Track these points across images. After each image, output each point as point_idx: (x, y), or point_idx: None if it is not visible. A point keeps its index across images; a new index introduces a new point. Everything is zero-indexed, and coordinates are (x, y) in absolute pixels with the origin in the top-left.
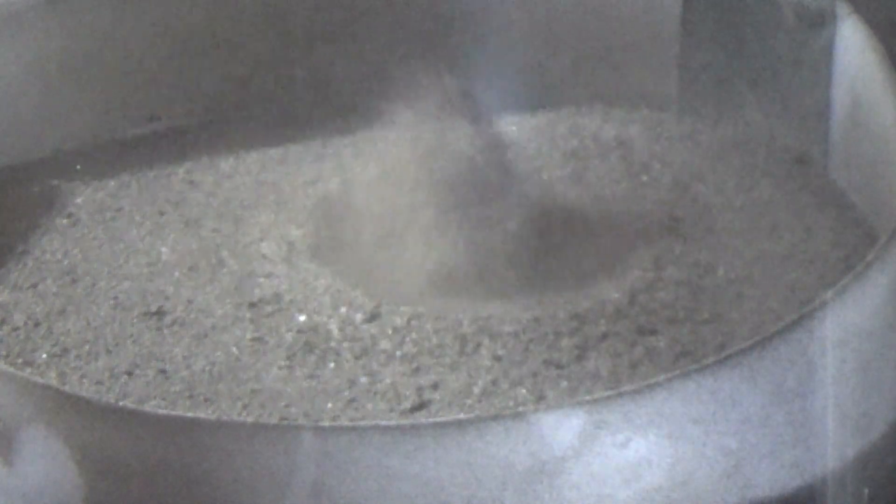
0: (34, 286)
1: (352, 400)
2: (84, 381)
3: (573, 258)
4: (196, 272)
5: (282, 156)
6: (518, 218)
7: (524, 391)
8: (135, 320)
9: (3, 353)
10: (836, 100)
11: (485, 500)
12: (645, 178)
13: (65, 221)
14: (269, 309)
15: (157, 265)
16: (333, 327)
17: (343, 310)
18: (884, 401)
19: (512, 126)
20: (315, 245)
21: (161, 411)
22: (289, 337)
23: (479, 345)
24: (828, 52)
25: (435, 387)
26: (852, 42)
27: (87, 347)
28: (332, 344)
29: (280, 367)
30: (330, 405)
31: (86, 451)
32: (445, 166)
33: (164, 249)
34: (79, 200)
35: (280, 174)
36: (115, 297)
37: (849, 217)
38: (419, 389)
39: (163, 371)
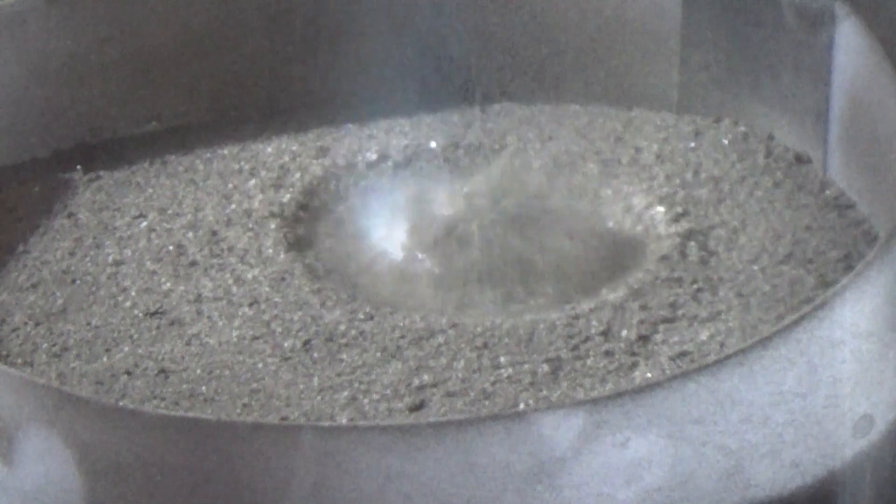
0: (34, 286)
1: (352, 400)
2: (84, 381)
3: (572, 258)
4: (196, 271)
5: (282, 155)
6: (517, 218)
7: (524, 391)
8: (135, 320)
9: (3, 353)
10: (836, 100)
11: (485, 500)
12: (644, 177)
13: (65, 221)
14: (269, 309)
15: (158, 265)
16: (333, 327)
17: (343, 310)
18: (884, 401)
19: (512, 125)
20: (316, 245)
21: (161, 411)
22: (289, 337)
23: (479, 345)
24: (828, 52)
25: (435, 387)
26: (852, 42)
27: (87, 347)
28: (332, 344)
29: (280, 367)
30: (330, 405)
31: (86, 451)
32: (445, 166)
33: (164, 249)
34: (79, 200)
35: (280, 174)
36: (115, 297)
37: (849, 217)
38: (419, 389)
39: (163, 371)
